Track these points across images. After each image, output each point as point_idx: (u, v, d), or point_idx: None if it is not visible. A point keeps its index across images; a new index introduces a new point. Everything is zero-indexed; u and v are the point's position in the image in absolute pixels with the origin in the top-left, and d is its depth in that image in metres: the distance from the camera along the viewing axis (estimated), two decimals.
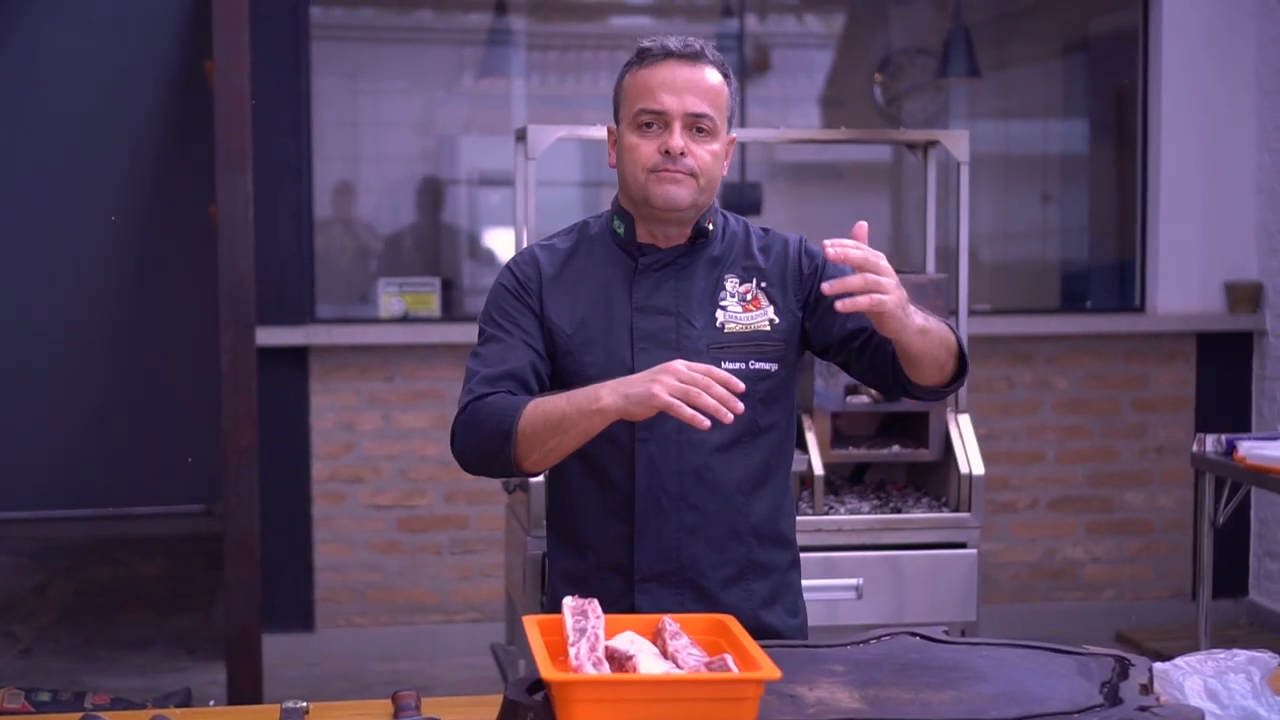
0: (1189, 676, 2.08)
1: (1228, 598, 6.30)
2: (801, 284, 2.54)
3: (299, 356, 5.88)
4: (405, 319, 6.11)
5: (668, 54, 2.47)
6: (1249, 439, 4.75)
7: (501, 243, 6.92)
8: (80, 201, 8.32)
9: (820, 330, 2.54)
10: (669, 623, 2.09)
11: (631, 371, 2.41)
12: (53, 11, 8.21)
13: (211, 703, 4.42)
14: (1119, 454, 6.33)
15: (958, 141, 4.30)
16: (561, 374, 2.52)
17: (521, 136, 4.15)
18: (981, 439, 4.53)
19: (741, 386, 2.25)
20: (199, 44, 7.32)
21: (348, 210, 6.73)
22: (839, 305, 2.23)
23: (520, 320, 2.52)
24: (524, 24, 6.82)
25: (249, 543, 4.60)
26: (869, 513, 4.22)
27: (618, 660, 2.00)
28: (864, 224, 2.29)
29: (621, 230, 2.54)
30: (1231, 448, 4.67)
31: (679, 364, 2.26)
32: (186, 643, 6.15)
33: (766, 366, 2.50)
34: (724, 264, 2.53)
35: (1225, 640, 5.30)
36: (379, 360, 5.94)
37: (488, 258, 7.04)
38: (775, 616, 2.57)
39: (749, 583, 2.54)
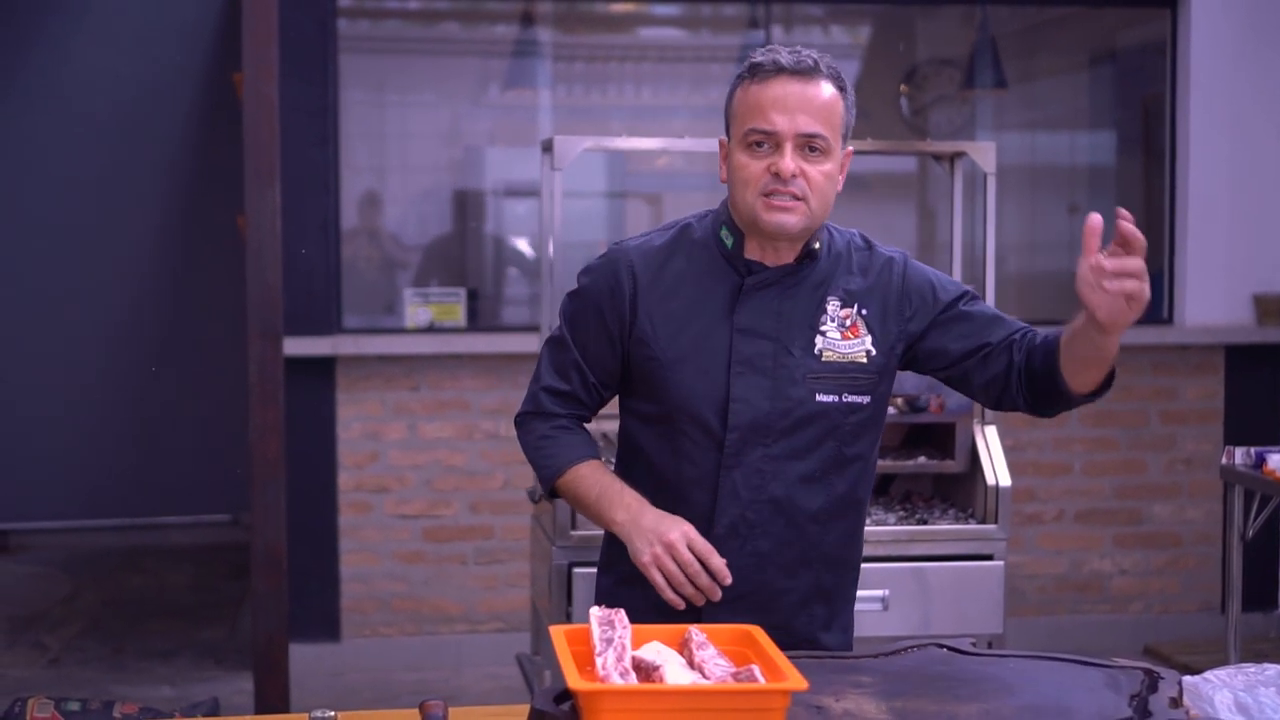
0: (1219, 690, 2.07)
1: (1257, 611, 6.25)
2: (906, 315, 2.48)
3: (325, 367, 5.89)
4: (431, 329, 6.12)
5: (779, 70, 2.40)
6: (1279, 452, 4.72)
7: (527, 253, 6.93)
8: (109, 213, 8.36)
9: (938, 350, 2.49)
10: (695, 633, 2.09)
11: (726, 396, 2.42)
12: (81, 24, 8.25)
13: None
14: (1147, 466, 6.30)
15: (984, 153, 4.29)
16: (652, 388, 2.48)
17: (547, 148, 4.15)
18: (1008, 450, 4.51)
19: (728, 579, 2.34)
20: (228, 56, 7.35)
21: (375, 221, 6.75)
22: (1109, 285, 2.19)
23: (600, 331, 2.50)
24: (550, 36, 6.83)
25: (276, 553, 4.61)
26: (895, 524, 4.22)
27: (645, 670, 2.00)
28: (1094, 216, 2.22)
29: (730, 243, 2.48)
30: (1261, 460, 4.65)
31: (680, 539, 2.34)
32: (214, 653, 6.16)
33: (859, 400, 2.46)
34: (827, 284, 2.47)
35: (1255, 654, 5.26)
36: (405, 370, 5.95)
37: (514, 268, 7.05)
38: (831, 636, 2.56)
39: (813, 607, 2.53)
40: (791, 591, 2.49)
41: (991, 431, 4.28)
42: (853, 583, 2.62)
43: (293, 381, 5.19)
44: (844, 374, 2.44)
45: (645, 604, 2.48)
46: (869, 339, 2.46)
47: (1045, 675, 2.16)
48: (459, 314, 6.20)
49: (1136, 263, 2.17)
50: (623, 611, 2.09)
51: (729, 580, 2.32)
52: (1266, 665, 2.13)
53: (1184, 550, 6.35)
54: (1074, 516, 6.28)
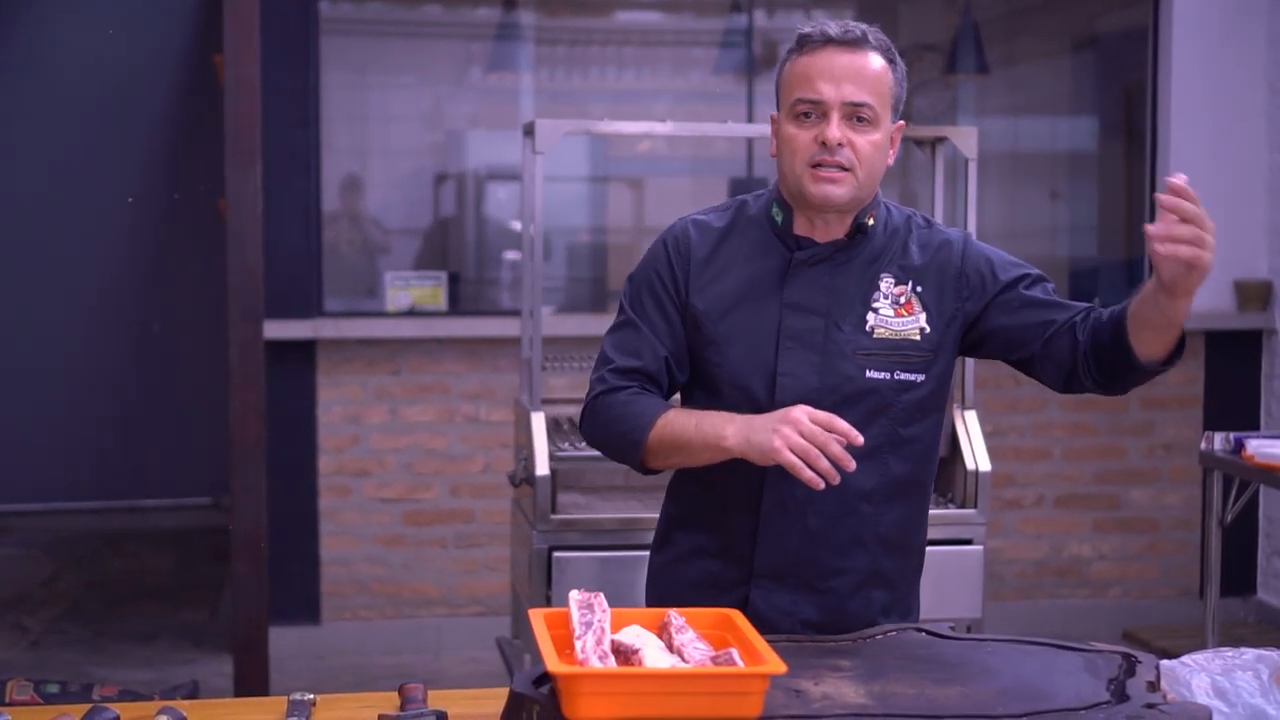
0: (1196, 674, 2.08)
1: (1235, 596, 6.29)
2: (963, 294, 2.46)
3: (306, 350, 5.88)
4: (412, 313, 6.11)
5: (827, 40, 2.38)
6: (1257, 437, 4.74)
7: (509, 237, 6.93)
8: (90, 195, 8.33)
9: (998, 331, 2.48)
10: (674, 616, 2.10)
11: (774, 370, 2.40)
12: (62, 6, 8.21)
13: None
14: (1126, 451, 6.32)
15: (966, 138, 4.30)
16: (701, 363, 2.47)
17: (529, 131, 4.15)
18: (988, 435, 4.52)
19: (860, 440, 2.23)
20: (209, 38, 7.32)
21: (356, 204, 6.73)
22: (1160, 249, 2.10)
23: (661, 310, 2.47)
24: (532, 19, 6.82)
25: (256, 536, 4.61)
26: None
27: (623, 654, 2.01)
28: (1183, 175, 2.12)
29: (780, 219, 2.46)
30: (1240, 446, 4.66)
31: (801, 413, 2.23)
32: (193, 635, 6.15)
33: (912, 378, 2.42)
34: (882, 260, 2.45)
35: (1232, 639, 5.30)
36: (386, 354, 5.94)
37: (495, 252, 7.04)
38: (890, 623, 2.49)
39: (869, 591, 2.48)
40: (846, 573, 2.45)
41: (972, 417, 4.29)
42: (916, 569, 2.58)
43: (273, 365, 5.19)
44: (896, 351, 2.41)
45: (699, 579, 2.50)
46: (924, 316, 2.43)
47: (1024, 659, 2.17)
48: (440, 298, 6.19)
49: (1186, 230, 2.09)
50: (602, 595, 2.09)
51: (860, 440, 2.23)
52: (1244, 650, 2.14)
53: (1162, 535, 6.37)
54: (1053, 501, 6.30)
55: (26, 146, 8.30)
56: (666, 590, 2.55)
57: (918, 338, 2.43)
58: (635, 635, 2.05)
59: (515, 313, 5.64)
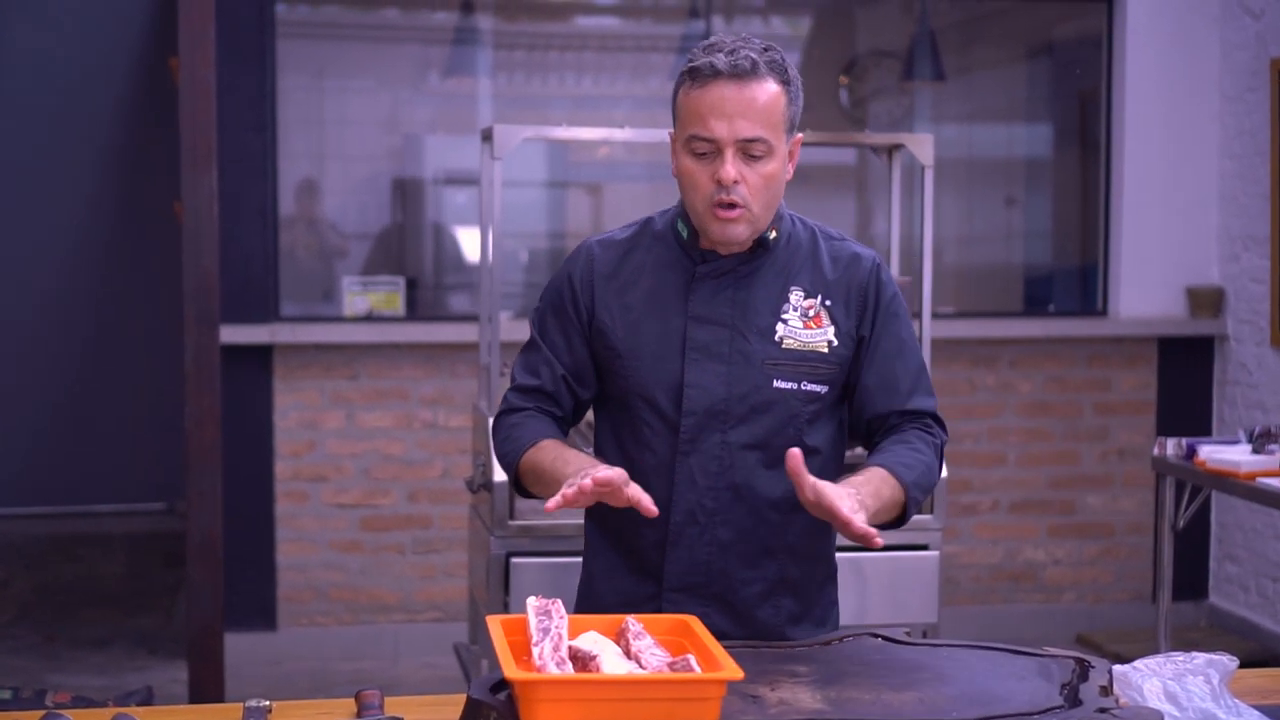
0: (1148, 679, 2.10)
1: (1188, 600, 6.34)
2: (864, 313, 2.49)
3: (263, 355, 5.86)
4: (370, 318, 6.10)
5: (716, 74, 2.36)
6: (1209, 443, 4.79)
7: (467, 242, 6.91)
8: (43, 199, 8.27)
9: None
10: (632, 623, 2.10)
11: (681, 382, 2.43)
12: (15, 7, 8.15)
13: None
14: (1080, 457, 6.37)
15: (922, 145, 4.32)
16: (610, 376, 2.51)
17: (487, 136, 4.14)
18: None
19: (655, 512, 2.26)
20: (163, 40, 7.28)
21: (312, 208, 6.70)
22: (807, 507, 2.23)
23: (563, 329, 2.52)
24: (490, 23, 6.81)
25: (212, 541, 4.58)
26: None
27: (581, 660, 2.01)
28: (795, 451, 2.22)
29: (685, 233, 2.49)
30: (1192, 451, 4.71)
31: (586, 479, 2.24)
32: (147, 642, 6.12)
33: (817, 389, 2.46)
34: (790, 273, 2.48)
35: (1185, 643, 5.34)
36: (343, 359, 5.92)
37: (453, 257, 7.02)
38: (802, 631, 2.52)
39: (779, 599, 2.50)
40: (754, 582, 2.48)
41: None
42: (826, 577, 2.59)
43: (230, 369, 5.16)
44: (804, 362, 2.44)
45: (615, 597, 2.52)
46: (831, 330, 2.46)
47: (979, 664, 2.19)
48: (398, 303, 6.17)
49: (816, 508, 2.23)
50: (559, 601, 2.10)
51: (654, 511, 2.26)
52: (1195, 654, 2.16)
53: (1116, 540, 6.42)
54: (1008, 507, 6.33)
55: None
56: (590, 608, 2.56)
57: (825, 350, 2.46)
58: (593, 641, 2.05)
59: (473, 318, 5.63)
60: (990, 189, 7.29)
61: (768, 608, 2.49)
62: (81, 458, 8.42)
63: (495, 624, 2.07)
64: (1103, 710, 1.97)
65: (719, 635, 2.36)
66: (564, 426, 2.59)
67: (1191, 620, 6.35)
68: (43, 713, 2.09)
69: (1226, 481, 4.56)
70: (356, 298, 6.15)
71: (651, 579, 2.49)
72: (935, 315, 4.81)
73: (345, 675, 5.69)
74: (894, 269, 4.53)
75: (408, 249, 6.92)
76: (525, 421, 2.53)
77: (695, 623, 2.11)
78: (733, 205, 2.37)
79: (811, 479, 2.21)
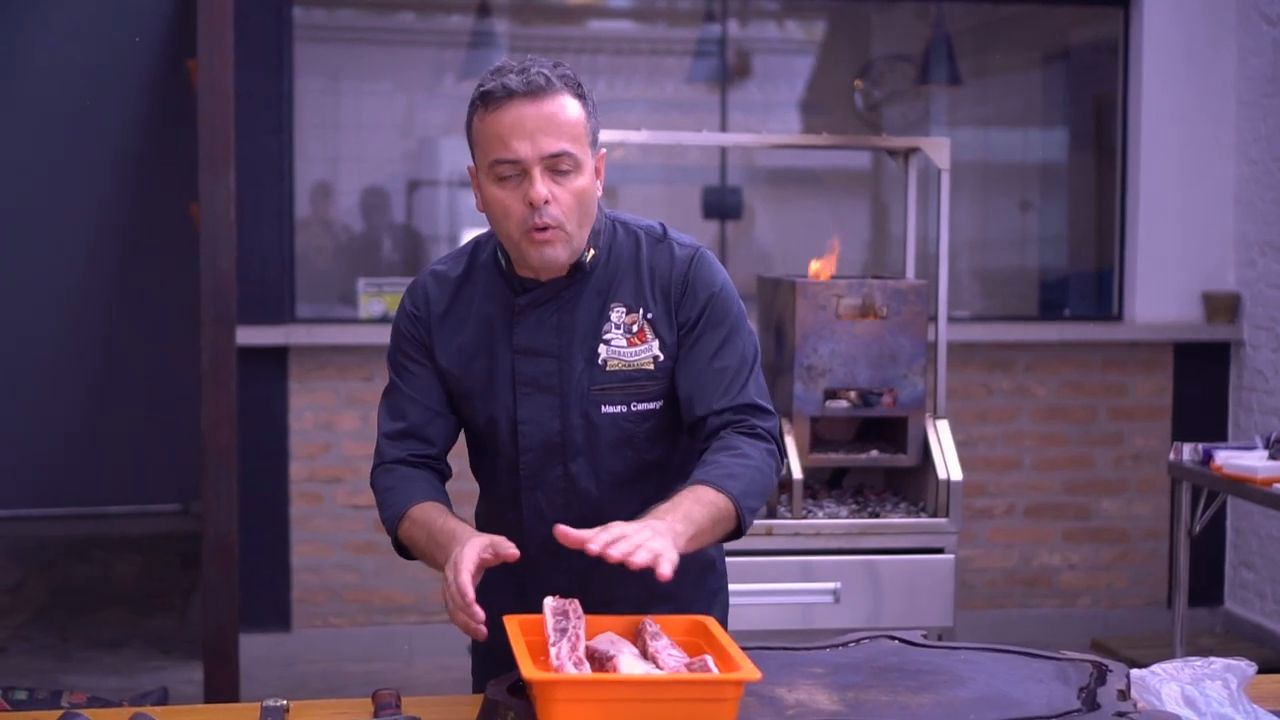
0: (1166, 683, 2.09)
1: (1203, 606, 6.32)
2: (680, 312, 2.40)
3: (278, 356, 5.87)
4: (385, 319, 6.10)
5: (510, 94, 2.28)
6: (1226, 448, 4.78)
7: None
8: (62, 201, 8.30)
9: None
10: (649, 624, 2.10)
11: (515, 419, 2.37)
12: (34, 11, 8.18)
13: None
14: (1095, 462, 6.35)
15: (939, 149, 4.32)
16: (459, 413, 2.46)
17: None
18: (959, 445, 4.54)
19: (479, 617, 2.12)
20: (182, 43, 7.30)
21: (328, 211, 6.72)
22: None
23: (418, 365, 2.45)
24: (506, 27, 6.82)
25: (227, 542, 4.59)
26: (847, 517, 4.24)
27: (599, 660, 2.01)
28: (560, 528, 2.12)
29: (504, 263, 2.41)
30: (1208, 457, 4.70)
31: (451, 571, 2.17)
32: (161, 643, 6.13)
33: (649, 406, 2.39)
34: (611, 289, 2.39)
35: (1200, 649, 5.33)
36: (358, 360, 5.93)
37: None
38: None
39: (655, 607, 2.34)
40: (622, 601, 2.35)
41: (944, 426, 4.31)
42: (703, 569, 2.49)
43: (245, 371, 5.17)
44: (630, 383, 2.38)
45: (495, 625, 2.39)
46: (656, 344, 2.39)
47: (995, 667, 2.18)
48: None
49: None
50: (576, 602, 2.10)
51: (480, 617, 2.14)
52: (1213, 659, 2.16)
53: (1131, 545, 6.40)
54: (1024, 511, 6.32)
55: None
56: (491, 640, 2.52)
57: (651, 366, 2.38)
58: (610, 642, 2.06)
59: None
60: (1005, 193, 7.28)
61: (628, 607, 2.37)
62: (97, 459, 8.44)
63: (512, 624, 2.07)
64: (1120, 715, 1.96)
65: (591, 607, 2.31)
66: (439, 466, 2.50)
67: (1206, 626, 6.34)
68: (60, 712, 2.10)
69: (1243, 487, 4.55)
70: (371, 299, 6.16)
71: (522, 607, 2.33)
72: (951, 319, 4.82)
73: (359, 676, 5.69)
74: (909, 273, 4.53)
75: (422, 251, 6.93)
76: (398, 484, 2.45)
77: (712, 623, 2.11)
78: (546, 227, 2.28)
79: (579, 539, 2.09)
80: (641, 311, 2.39)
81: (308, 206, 6.52)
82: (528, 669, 1.92)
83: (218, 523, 4.58)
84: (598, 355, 2.37)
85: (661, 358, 2.38)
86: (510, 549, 2.17)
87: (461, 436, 2.55)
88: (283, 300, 5.93)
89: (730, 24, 6.82)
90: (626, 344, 2.38)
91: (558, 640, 2.01)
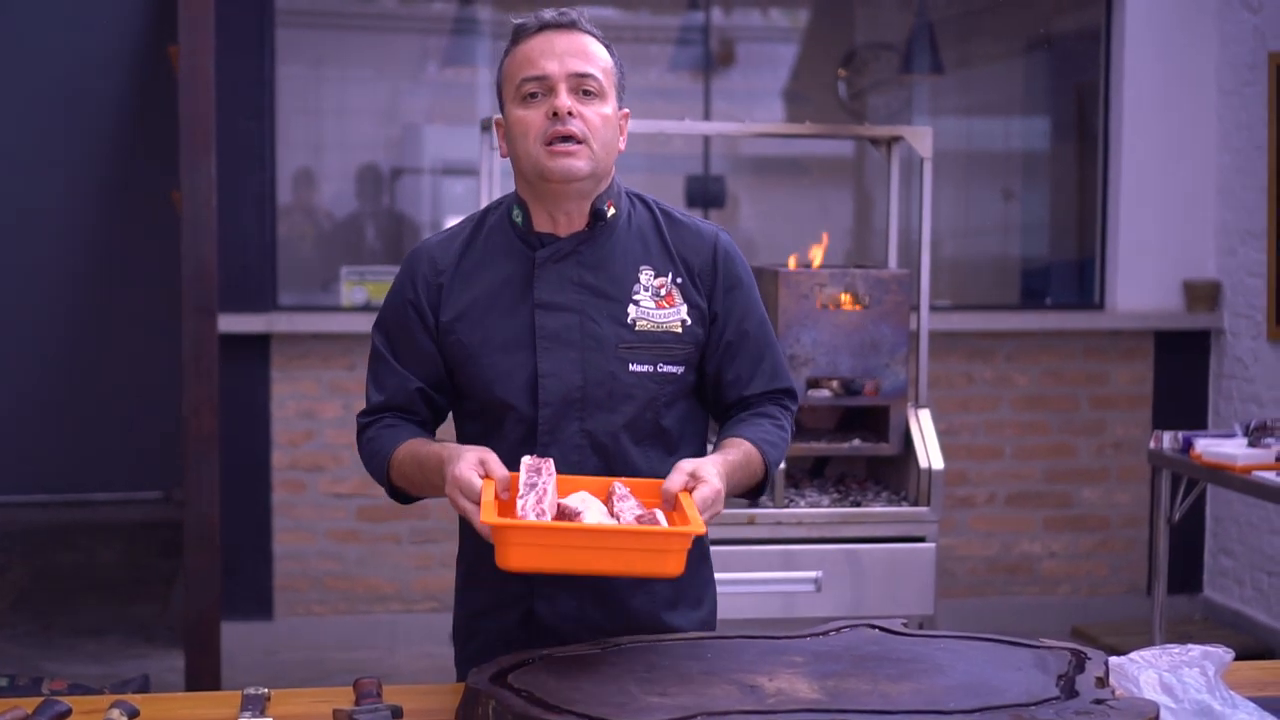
0: (1144, 670, 2.10)
1: (1182, 594, 6.35)
2: (713, 292, 2.44)
3: (260, 344, 5.86)
4: (367, 307, 6.10)
5: (543, 25, 2.36)
6: (1206, 436, 4.79)
7: None
8: (43, 188, 8.27)
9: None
10: (619, 486, 2.22)
11: (534, 372, 2.36)
12: None
13: None
14: (1077, 450, 6.38)
15: (921, 138, 4.33)
16: (462, 376, 2.42)
17: (487, 126, 4.15)
18: (941, 434, 4.56)
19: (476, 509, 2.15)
20: (163, 29, 7.28)
21: (310, 198, 6.71)
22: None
23: (410, 337, 2.43)
24: (489, 13, 6.81)
25: (209, 530, 4.59)
26: (829, 506, 4.25)
27: (567, 515, 2.12)
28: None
29: (520, 219, 2.41)
30: (1188, 445, 4.71)
31: (451, 487, 2.18)
32: (144, 630, 6.12)
33: (673, 370, 2.40)
34: (638, 252, 2.41)
35: (1180, 636, 5.36)
36: (341, 349, 5.92)
37: None
38: (679, 615, 2.47)
39: (651, 585, 2.42)
40: (633, 613, 2.40)
41: (925, 415, 4.32)
42: (699, 557, 2.50)
43: (227, 358, 5.16)
44: (658, 343, 2.38)
45: (486, 601, 2.47)
46: (684, 308, 2.40)
47: (975, 655, 2.19)
48: None
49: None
50: (550, 461, 2.20)
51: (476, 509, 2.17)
52: (1190, 646, 2.17)
53: (1112, 533, 6.43)
54: (1005, 499, 6.34)
55: None
56: (464, 616, 2.54)
57: (679, 330, 2.40)
58: (581, 500, 2.17)
59: None
60: (987, 182, 7.30)
61: (641, 595, 2.42)
62: (79, 446, 8.42)
63: (487, 485, 2.15)
64: (1099, 701, 1.97)
65: (595, 628, 2.37)
66: (426, 430, 2.49)
67: (1186, 614, 6.37)
68: (40, 699, 2.10)
69: (1222, 475, 4.57)
70: (354, 287, 6.15)
71: (520, 579, 2.39)
72: (933, 308, 4.82)
73: (341, 664, 5.69)
74: (892, 262, 4.54)
75: (405, 238, 6.92)
76: (381, 434, 2.44)
77: (684, 495, 2.18)
78: (570, 138, 2.31)
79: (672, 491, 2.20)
80: (670, 276, 2.41)
81: (290, 193, 6.50)
82: (487, 515, 2.05)
83: (199, 510, 4.58)
84: (627, 314, 2.38)
85: (690, 322, 2.41)
86: (500, 468, 2.20)
87: (449, 424, 2.54)
88: (265, 288, 5.92)
89: (714, 11, 6.82)
90: (655, 306, 2.40)
91: (525, 494, 2.11)
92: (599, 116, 2.33)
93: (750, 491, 2.44)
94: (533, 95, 2.33)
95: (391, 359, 2.45)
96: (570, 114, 2.31)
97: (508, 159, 2.42)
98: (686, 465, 2.22)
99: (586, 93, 2.33)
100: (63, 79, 8.20)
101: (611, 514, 2.14)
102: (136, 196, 8.26)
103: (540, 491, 2.10)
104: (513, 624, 2.43)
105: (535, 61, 2.33)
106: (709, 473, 2.22)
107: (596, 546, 2.03)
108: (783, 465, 4.15)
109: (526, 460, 2.17)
